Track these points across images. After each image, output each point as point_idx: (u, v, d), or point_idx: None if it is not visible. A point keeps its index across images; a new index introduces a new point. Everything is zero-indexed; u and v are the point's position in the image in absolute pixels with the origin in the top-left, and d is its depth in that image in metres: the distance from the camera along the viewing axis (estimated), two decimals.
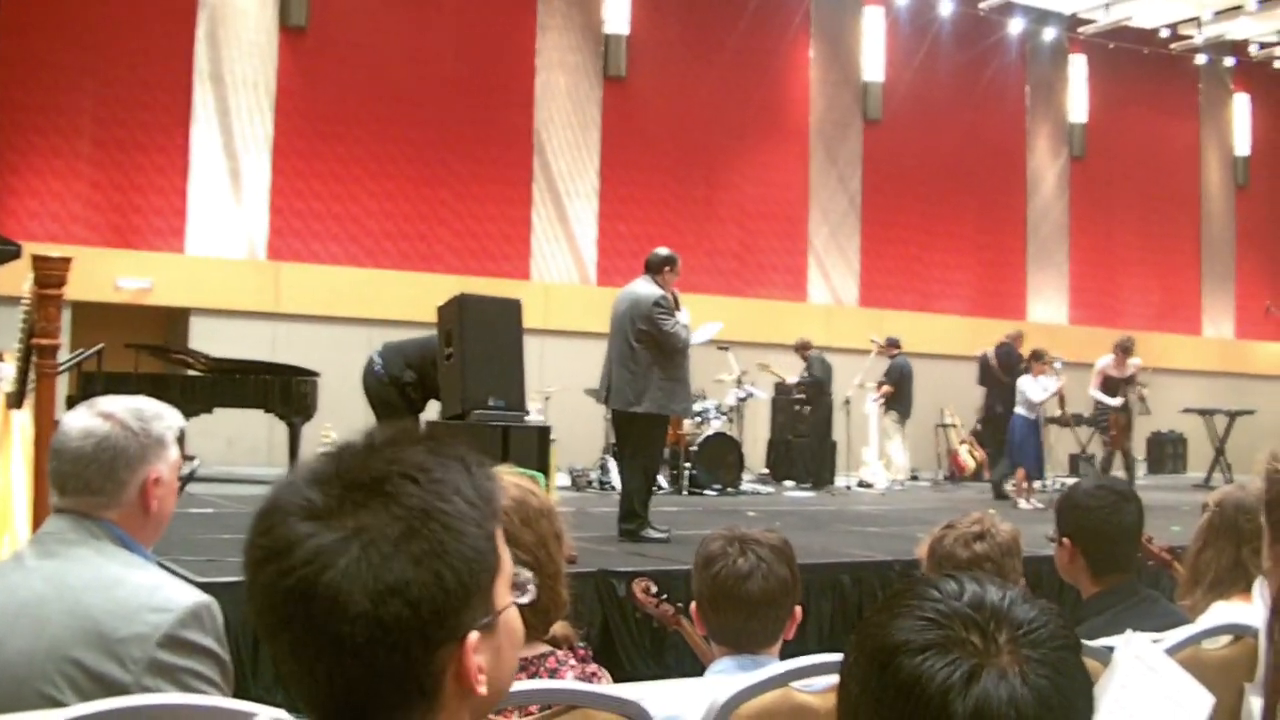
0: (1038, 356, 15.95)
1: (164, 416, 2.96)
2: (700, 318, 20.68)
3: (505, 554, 1.51)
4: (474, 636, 1.43)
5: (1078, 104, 26.42)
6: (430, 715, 1.42)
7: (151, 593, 2.67)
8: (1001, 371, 17.49)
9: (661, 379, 10.18)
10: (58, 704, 2.42)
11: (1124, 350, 16.73)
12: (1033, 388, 15.66)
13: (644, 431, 10.35)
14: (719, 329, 11.04)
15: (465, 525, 1.42)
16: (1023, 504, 15.05)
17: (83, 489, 2.80)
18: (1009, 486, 16.41)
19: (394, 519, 1.37)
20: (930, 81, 24.44)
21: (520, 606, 1.57)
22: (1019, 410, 15.80)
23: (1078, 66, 26.33)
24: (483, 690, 1.45)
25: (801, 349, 18.50)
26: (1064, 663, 1.41)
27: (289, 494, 1.41)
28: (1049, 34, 25.51)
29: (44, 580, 2.68)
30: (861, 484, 18.62)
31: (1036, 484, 15.93)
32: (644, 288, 10.33)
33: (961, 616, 1.42)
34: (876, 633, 1.44)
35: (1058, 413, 17.88)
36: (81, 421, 2.84)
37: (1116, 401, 16.59)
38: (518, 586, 1.51)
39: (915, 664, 1.38)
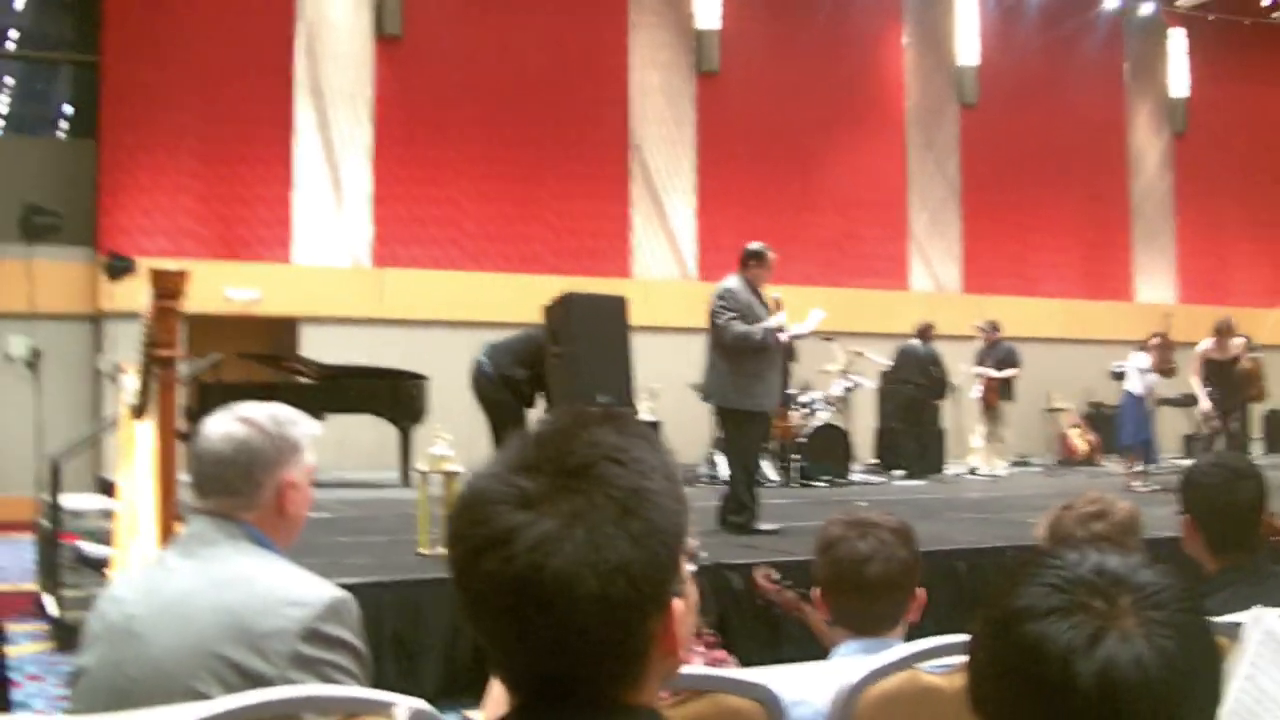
0: (1159, 339, 15.87)
1: (299, 422, 3.06)
2: (800, 309, 20.64)
3: None
4: (679, 604, 1.50)
5: (1178, 79, 25.87)
6: (638, 681, 1.48)
7: (290, 588, 2.76)
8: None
9: (731, 374, 10.19)
10: (205, 698, 2.50)
11: (1221, 332, 16.30)
12: (1141, 359, 15.62)
13: (728, 425, 10.46)
14: (821, 318, 10.92)
15: (666, 501, 1.47)
16: (1136, 485, 14.88)
17: (221, 490, 2.89)
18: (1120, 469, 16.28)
19: (610, 501, 1.43)
20: (1026, 63, 24.14)
21: None
22: (1129, 388, 15.68)
23: (1177, 40, 25.78)
24: (681, 654, 1.53)
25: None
26: (1189, 625, 1.44)
27: (496, 484, 1.46)
28: (1146, 8, 25.06)
29: (188, 579, 2.77)
30: (972, 471, 18.49)
31: (1151, 466, 15.79)
32: (725, 281, 10.42)
33: (1084, 582, 1.45)
34: (1001, 600, 1.49)
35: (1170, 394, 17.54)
36: (222, 426, 2.94)
37: (1204, 406, 16.19)
38: (689, 555, 1.56)
39: (1038, 628, 1.42)
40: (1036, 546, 3.89)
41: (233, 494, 2.89)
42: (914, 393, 17.80)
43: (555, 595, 1.40)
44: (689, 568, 1.56)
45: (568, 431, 1.51)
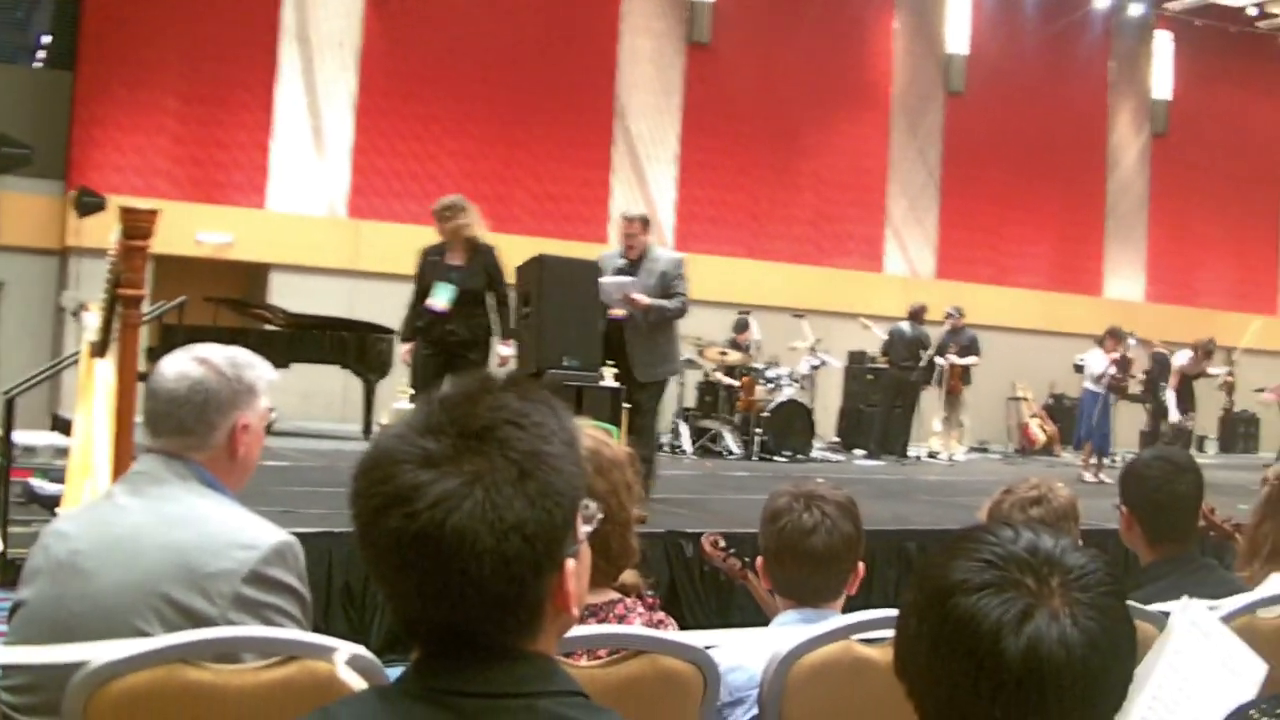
0: (1114, 334, 15.95)
1: (256, 366, 3.03)
2: (775, 286, 20.71)
3: None
4: (571, 564, 1.56)
5: (1162, 81, 26.02)
6: (532, 636, 1.55)
7: (238, 530, 2.76)
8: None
9: None
10: (147, 636, 2.50)
11: (1206, 353, 16.30)
12: (1093, 363, 15.80)
13: None
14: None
15: (564, 464, 1.54)
16: (1087, 477, 15.05)
17: (174, 430, 2.88)
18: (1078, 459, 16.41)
19: (509, 463, 1.49)
20: (1014, 55, 24.21)
21: (593, 553, 1.70)
22: (1087, 385, 15.88)
23: (1163, 43, 25.93)
24: (575, 611, 1.60)
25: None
26: (1111, 608, 1.49)
27: (400, 444, 1.51)
28: (1135, 9, 25.14)
29: (136, 516, 2.76)
30: (931, 455, 18.59)
31: (1105, 460, 15.94)
32: None
33: (1017, 560, 1.50)
34: (935, 573, 1.53)
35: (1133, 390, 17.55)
36: (178, 365, 2.93)
37: (1174, 419, 16.22)
38: (586, 519, 1.60)
39: (970, 602, 1.47)
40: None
41: (185, 434, 2.88)
42: (898, 374, 17.78)
43: (454, 551, 1.46)
44: (585, 529, 1.59)
45: (472, 396, 1.56)
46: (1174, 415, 16.30)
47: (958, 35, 23.87)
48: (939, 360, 17.97)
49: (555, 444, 1.54)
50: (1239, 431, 24.24)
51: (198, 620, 2.60)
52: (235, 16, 18.57)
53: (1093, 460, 15.60)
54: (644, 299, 9.89)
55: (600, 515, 1.64)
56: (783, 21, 22.12)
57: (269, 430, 3.18)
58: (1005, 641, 1.43)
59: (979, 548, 1.53)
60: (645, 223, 10.49)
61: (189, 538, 2.71)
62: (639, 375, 9.92)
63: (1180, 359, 16.23)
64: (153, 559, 2.67)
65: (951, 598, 1.48)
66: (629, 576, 2.95)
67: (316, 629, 2.72)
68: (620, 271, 10.11)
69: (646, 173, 21.39)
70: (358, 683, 2.21)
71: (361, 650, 2.35)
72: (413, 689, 1.53)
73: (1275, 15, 25.69)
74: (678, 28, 21.71)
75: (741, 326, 17.59)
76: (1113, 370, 15.95)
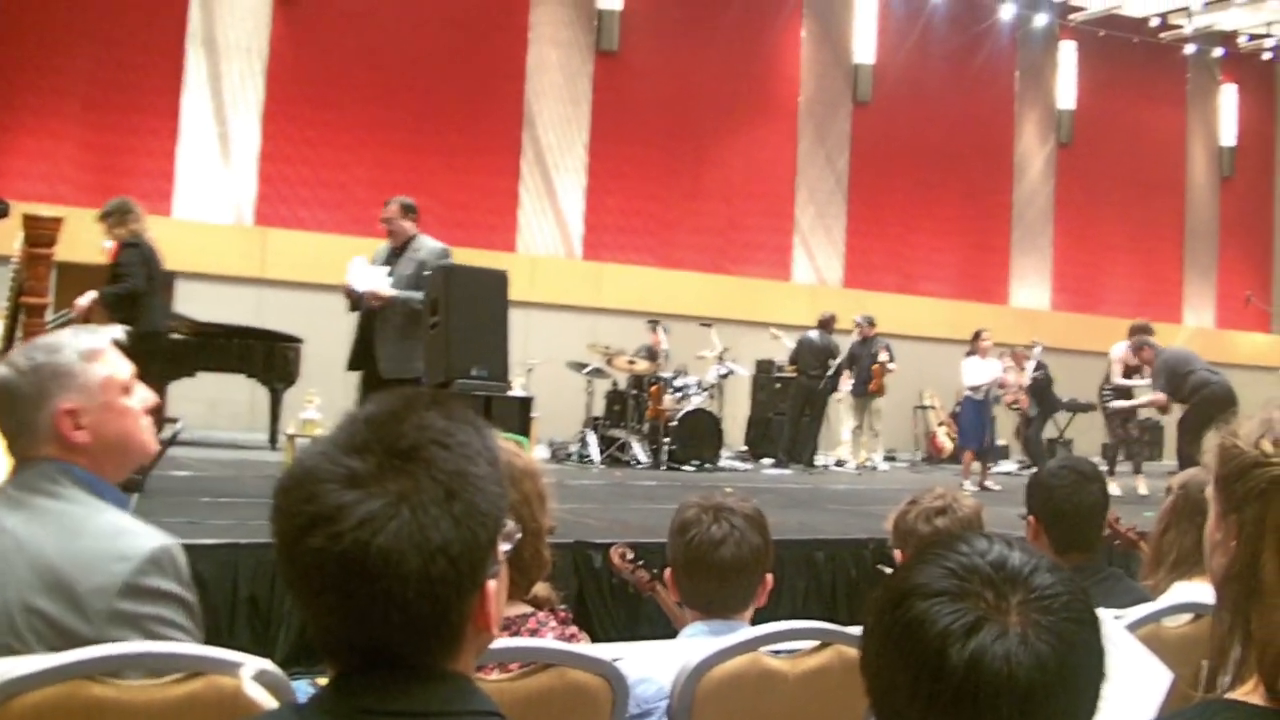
0: (977, 337, 16.00)
1: (63, 348, 2.85)
2: (683, 294, 20.78)
3: None
4: (492, 584, 1.56)
5: (1066, 91, 26.41)
6: (454, 652, 1.55)
7: (113, 540, 2.65)
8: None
9: None
10: (21, 655, 2.42)
11: (1148, 333, 15.55)
12: (968, 371, 15.83)
13: None
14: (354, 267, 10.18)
15: (488, 485, 1.54)
16: (968, 485, 14.78)
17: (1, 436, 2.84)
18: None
19: (435, 484, 1.48)
20: (921, 65, 24.44)
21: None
22: (966, 392, 15.94)
23: (1067, 53, 26.31)
24: (495, 631, 1.60)
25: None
26: (1072, 634, 1.46)
27: (325, 463, 1.50)
28: (1040, 20, 25.49)
29: (7, 532, 2.66)
30: (839, 463, 18.68)
31: (991, 467, 16.07)
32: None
33: (980, 572, 1.49)
34: (901, 574, 1.54)
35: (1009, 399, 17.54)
36: None
37: (1143, 382, 15.02)
38: (506, 536, 1.59)
39: (923, 607, 1.46)
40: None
41: (11, 436, 2.80)
42: (806, 382, 17.79)
43: (379, 572, 1.45)
44: (504, 547, 1.59)
45: (397, 414, 1.55)
46: (1156, 397, 14.36)
47: (865, 45, 24.06)
48: (845, 375, 18.10)
49: (480, 464, 1.54)
50: (1143, 440, 24.44)
51: (74, 639, 2.49)
52: (141, 22, 18.41)
53: (980, 468, 15.70)
54: (386, 291, 9.50)
55: (519, 533, 1.64)
56: (691, 30, 22.23)
57: (174, 442, 3.11)
58: (949, 651, 1.42)
59: (946, 555, 1.52)
60: (405, 209, 9.98)
61: (61, 553, 2.60)
62: (384, 371, 9.45)
63: (1117, 351, 15.72)
64: (25, 577, 2.58)
65: (906, 600, 1.48)
66: (541, 589, 2.95)
67: (221, 642, 2.68)
68: (386, 262, 9.88)
69: (555, 182, 21.39)
70: (264, 698, 2.19)
71: (268, 665, 2.34)
72: (331, 706, 1.52)
73: (1177, 27, 26.16)
74: (586, 36, 21.74)
75: (660, 329, 17.37)
76: (999, 391, 16.10)
